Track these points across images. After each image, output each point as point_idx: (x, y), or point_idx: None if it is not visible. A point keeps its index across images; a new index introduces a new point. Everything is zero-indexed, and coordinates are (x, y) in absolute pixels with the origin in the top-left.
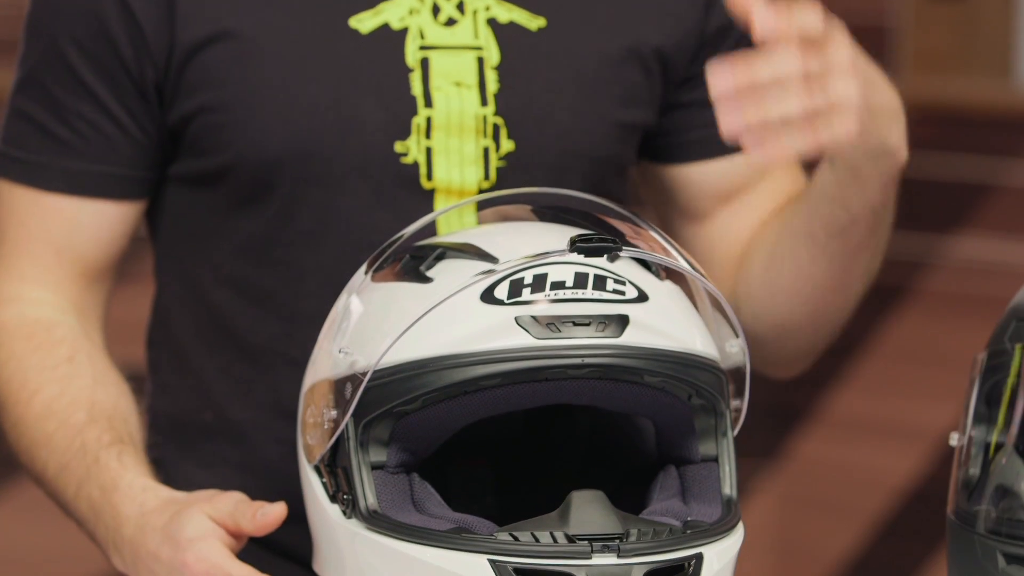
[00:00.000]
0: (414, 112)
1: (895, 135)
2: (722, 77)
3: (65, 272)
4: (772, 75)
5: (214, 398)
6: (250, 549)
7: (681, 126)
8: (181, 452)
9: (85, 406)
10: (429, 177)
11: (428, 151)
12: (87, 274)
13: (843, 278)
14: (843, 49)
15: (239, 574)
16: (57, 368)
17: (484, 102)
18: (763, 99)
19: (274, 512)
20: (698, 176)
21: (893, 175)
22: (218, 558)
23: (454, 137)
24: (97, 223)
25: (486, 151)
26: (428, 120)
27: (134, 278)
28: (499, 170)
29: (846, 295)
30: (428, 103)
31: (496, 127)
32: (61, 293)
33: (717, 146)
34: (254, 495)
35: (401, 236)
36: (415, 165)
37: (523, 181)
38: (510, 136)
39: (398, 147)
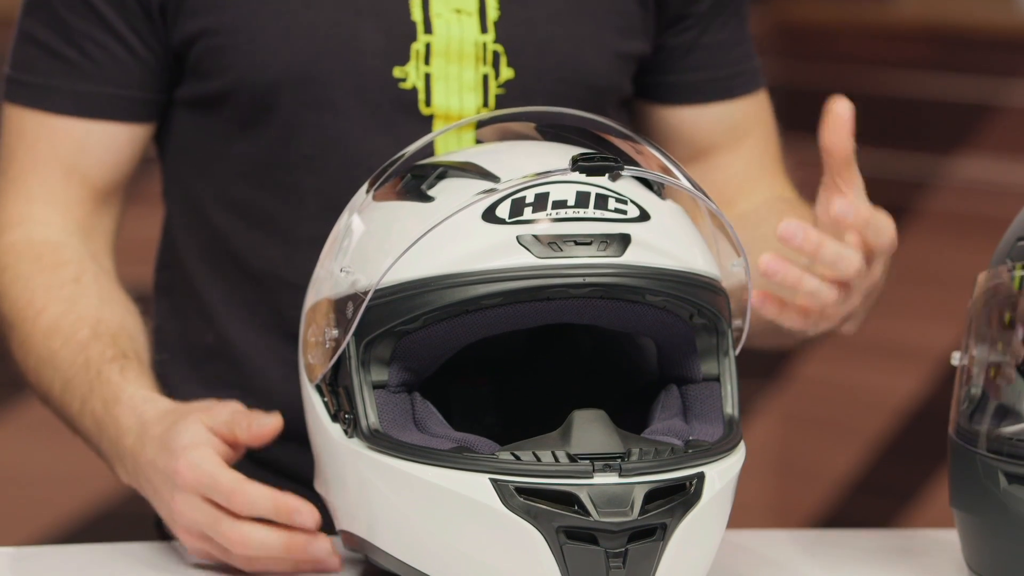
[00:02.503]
0: (413, 38)
1: (860, 313)
2: (794, 233)
3: (73, 193)
4: (832, 261)
5: (217, 320)
6: (252, 469)
7: (664, 67)
8: (186, 373)
9: (90, 323)
10: (428, 103)
11: (427, 77)
12: (95, 196)
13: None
14: (879, 271)
15: (226, 482)
16: (63, 288)
17: (484, 29)
18: (805, 274)
19: (269, 423)
20: (674, 120)
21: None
22: (209, 466)
23: (453, 64)
24: (105, 145)
25: (485, 78)
26: (427, 46)
27: (146, 198)
28: (498, 97)
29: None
30: (428, 29)
31: (496, 54)
32: (68, 214)
33: (696, 93)
34: None
35: (402, 155)
36: (414, 91)
37: None
38: (510, 64)
39: (397, 72)
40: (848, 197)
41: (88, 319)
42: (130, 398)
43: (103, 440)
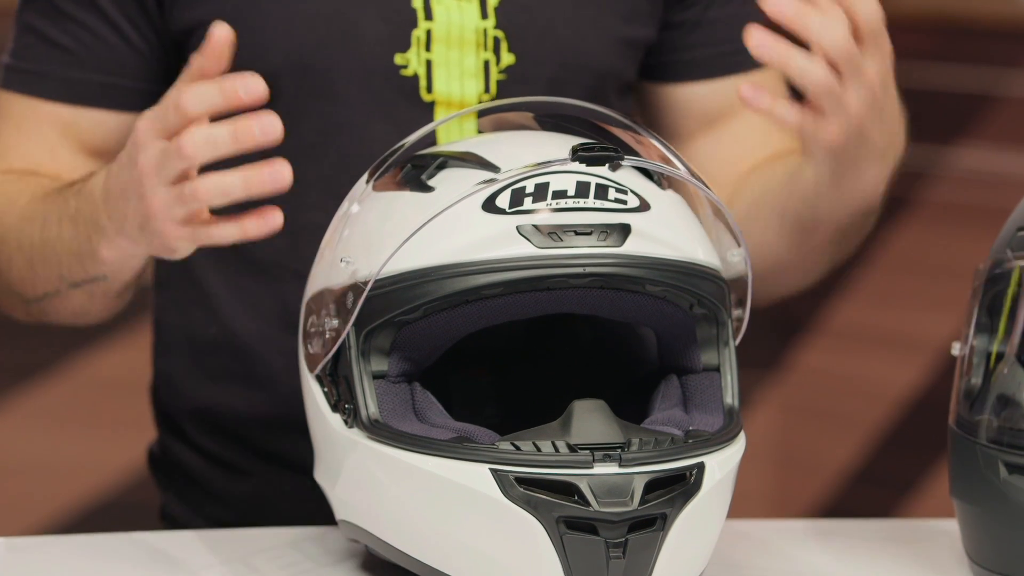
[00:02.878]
0: (414, 24)
1: (871, 173)
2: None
3: (56, 167)
4: (817, 34)
5: (219, 312)
6: (254, 461)
7: (670, 46)
8: (188, 366)
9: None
10: (429, 90)
11: (428, 64)
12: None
13: (801, 263)
14: (880, 62)
15: (171, 94)
16: (30, 183)
17: (484, 15)
18: (794, 45)
19: (217, 34)
20: (683, 97)
21: (861, 208)
22: (154, 122)
23: (454, 50)
24: (91, 131)
25: (486, 64)
26: (428, 33)
27: None
28: (499, 83)
29: (803, 274)
30: (428, 16)
31: (497, 40)
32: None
33: (704, 68)
34: (259, 408)
35: (402, 145)
36: (415, 77)
37: (523, 94)
38: (511, 49)
39: (398, 59)
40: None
41: (53, 184)
42: (95, 175)
43: (81, 226)
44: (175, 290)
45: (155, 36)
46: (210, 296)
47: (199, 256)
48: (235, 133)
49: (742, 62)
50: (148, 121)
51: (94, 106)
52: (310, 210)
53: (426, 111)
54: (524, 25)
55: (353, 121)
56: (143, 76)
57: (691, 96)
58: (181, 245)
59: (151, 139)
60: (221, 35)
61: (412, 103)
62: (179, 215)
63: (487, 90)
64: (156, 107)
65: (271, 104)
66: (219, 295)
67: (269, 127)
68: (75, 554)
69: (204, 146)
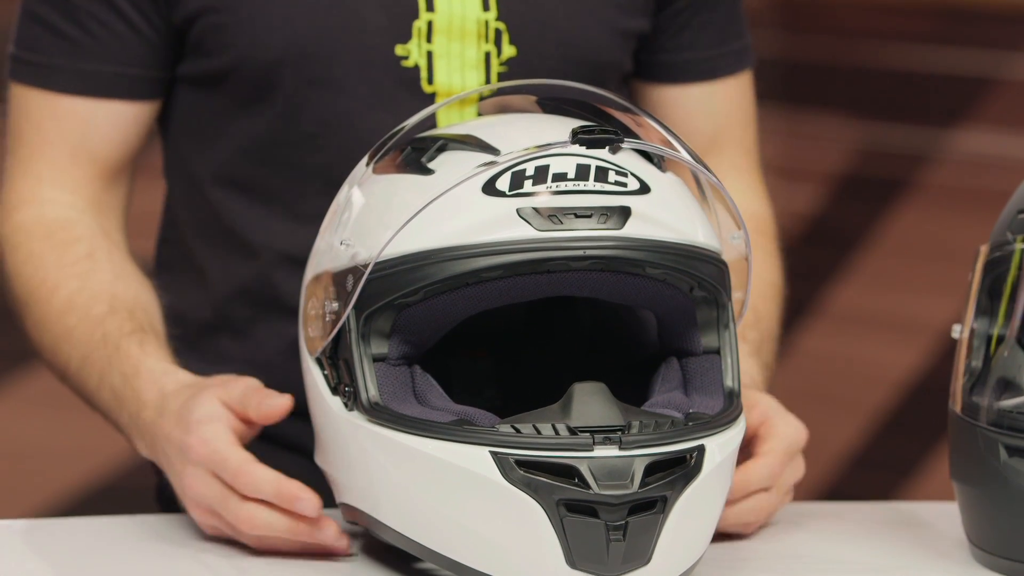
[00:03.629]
0: (415, 15)
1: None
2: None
3: (82, 172)
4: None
5: (218, 296)
6: (254, 443)
7: (656, 46)
8: (187, 349)
9: (106, 299)
10: (430, 81)
11: (429, 55)
12: (103, 174)
13: None
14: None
15: (233, 461)
16: (77, 264)
17: (486, 7)
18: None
19: (278, 403)
20: (660, 100)
21: None
22: (219, 443)
23: (455, 41)
24: (111, 123)
25: (487, 56)
26: (429, 24)
27: (146, 171)
28: (500, 75)
29: None
30: (430, 7)
31: (498, 32)
32: (78, 193)
33: (680, 74)
34: None
35: (402, 128)
36: (416, 68)
37: None
38: (512, 41)
39: (399, 50)
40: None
41: (103, 294)
42: (150, 371)
43: (122, 414)
44: (175, 273)
45: (162, 23)
46: (207, 280)
47: (197, 241)
48: (293, 533)
49: (717, 68)
50: (203, 447)
51: (109, 97)
52: (311, 198)
53: (427, 102)
54: (525, 17)
55: (353, 111)
56: (152, 64)
57: (666, 99)
58: (198, 520)
59: (202, 467)
60: (284, 406)
61: (413, 94)
62: (211, 523)
63: (488, 82)
64: (212, 441)
65: (272, 93)
66: (215, 279)
67: (328, 537)
68: (74, 536)
69: (260, 533)
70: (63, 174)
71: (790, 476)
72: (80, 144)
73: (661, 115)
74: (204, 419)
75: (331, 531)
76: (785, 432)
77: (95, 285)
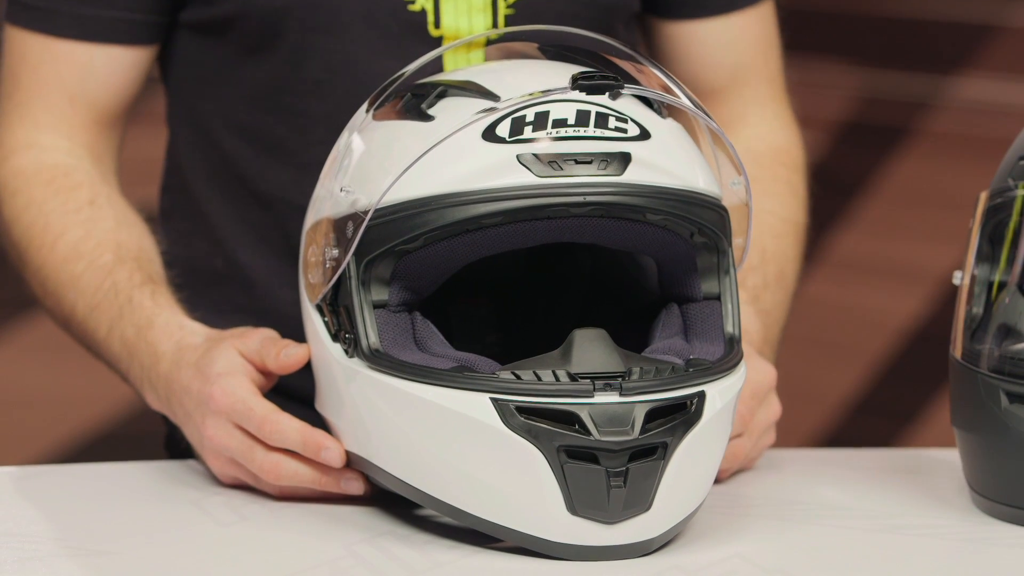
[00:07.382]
0: None
1: None
2: None
3: (79, 118)
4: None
5: (225, 244)
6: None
7: None
8: (194, 298)
9: (111, 247)
10: (437, 25)
11: None
12: (101, 120)
13: None
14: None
15: (258, 410)
16: (80, 211)
17: None
18: None
19: (296, 353)
20: (677, 35)
21: None
22: (243, 393)
23: None
24: (110, 68)
25: None
26: None
27: (144, 118)
28: (507, 18)
29: None
30: None
31: None
32: (76, 139)
33: (697, 8)
34: None
35: (402, 74)
36: (422, 12)
37: None
38: None
39: None
40: None
41: (108, 242)
42: (165, 323)
43: (133, 365)
44: (180, 222)
45: None
46: (215, 228)
47: (204, 188)
48: (319, 483)
49: (736, 0)
50: (226, 398)
51: (108, 42)
52: (316, 145)
53: (433, 46)
54: None
55: (360, 57)
56: (151, 8)
57: (682, 35)
58: (217, 471)
59: (225, 418)
60: (302, 355)
61: (419, 38)
62: (231, 473)
63: (495, 25)
64: (235, 392)
65: (278, 39)
66: (224, 228)
67: (352, 489)
68: (72, 483)
69: (285, 483)
70: (61, 120)
71: (763, 417)
72: (78, 90)
73: (681, 51)
74: (224, 371)
75: (356, 482)
76: (750, 377)
77: (100, 233)
